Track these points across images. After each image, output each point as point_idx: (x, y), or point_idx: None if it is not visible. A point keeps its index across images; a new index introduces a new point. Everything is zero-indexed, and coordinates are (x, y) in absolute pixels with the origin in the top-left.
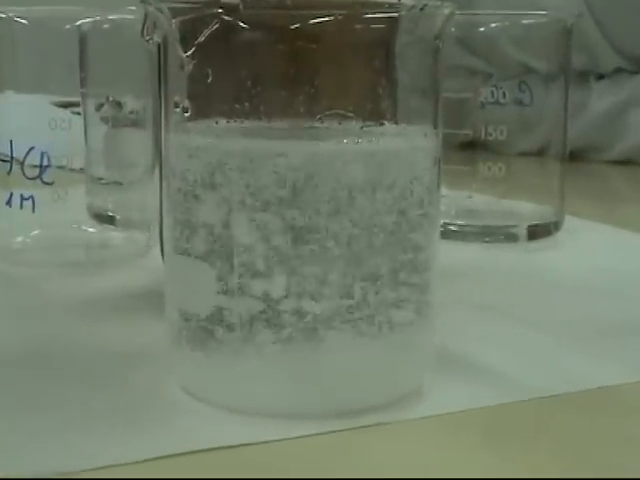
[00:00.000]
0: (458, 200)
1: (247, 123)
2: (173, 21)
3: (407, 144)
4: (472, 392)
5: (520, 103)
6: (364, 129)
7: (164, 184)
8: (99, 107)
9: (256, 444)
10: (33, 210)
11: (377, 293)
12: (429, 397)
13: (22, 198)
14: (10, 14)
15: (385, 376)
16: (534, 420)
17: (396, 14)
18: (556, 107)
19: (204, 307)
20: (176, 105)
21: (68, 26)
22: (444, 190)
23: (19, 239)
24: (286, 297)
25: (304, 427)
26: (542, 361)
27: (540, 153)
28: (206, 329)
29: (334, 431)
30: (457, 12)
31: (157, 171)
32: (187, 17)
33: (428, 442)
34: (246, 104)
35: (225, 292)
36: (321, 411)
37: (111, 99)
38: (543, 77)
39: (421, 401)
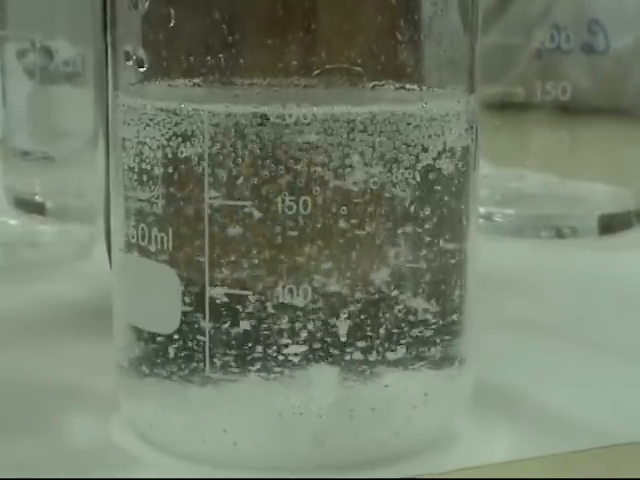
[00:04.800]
0: (505, 181)
1: (222, 81)
2: None
3: (431, 107)
4: (521, 438)
5: (590, 50)
6: (376, 89)
7: (112, 161)
8: (22, 55)
9: None
10: None
11: (391, 308)
12: (465, 445)
13: None
14: None
15: (406, 418)
16: (603, 474)
17: None
18: None
19: (166, 324)
20: (128, 57)
21: None
22: (486, 168)
23: None
24: (277, 312)
25: None
26: (615, 398)
27: (617, 118)
28: (168, 354)
29: None
30: None
31: (101, 143)
32: None
33: None
34: (221, 56)
35: (195, 305)
36: (318, 462)
37: (38, 44)
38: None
39: (454, 450)
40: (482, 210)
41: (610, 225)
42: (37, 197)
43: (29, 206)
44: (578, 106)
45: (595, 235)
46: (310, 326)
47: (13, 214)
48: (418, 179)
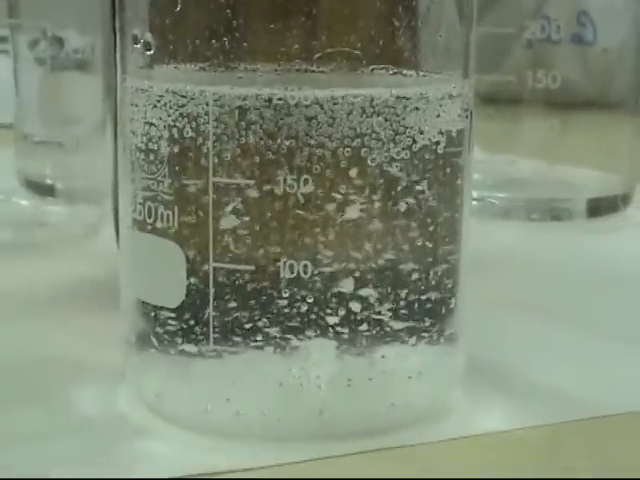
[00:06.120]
0: (497, 166)
1: (227, 64)
2: None
3: (428, 92)
4: (512, 409)
5: (580, 40)
6: (375, 73)
7: (119, 143)
8: (33, 44)
9: (240, 471)
10: None
11: (387, 285)
12: (457, 415)
13: None
14: None
15: (399, 390)
16: (589, 444)
17: None
18: (628, 46)
19: (172, 298)
20: (135, 41)
21: None
22: (479, 154)
23: None
24: (279, 286)
25: (297, 451)
26: (600, 373)
27: (605, 106)
28: (175, 326)
29: (334, 456)
30: None
31: (109, 127)
32: None
33: (452, 470)
34: (225, 40)
35: (200, 279)
36: (318, 432)
37: (49, 34)
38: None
39: (446, 420)
40: (475, 194)
41: (598, 208)
42: (47, 179)
43: (40, 188)
44: (568, 95)
45: (583, 218)
46: (310, 300)
47: (24, 195)
48: (415, 160)
